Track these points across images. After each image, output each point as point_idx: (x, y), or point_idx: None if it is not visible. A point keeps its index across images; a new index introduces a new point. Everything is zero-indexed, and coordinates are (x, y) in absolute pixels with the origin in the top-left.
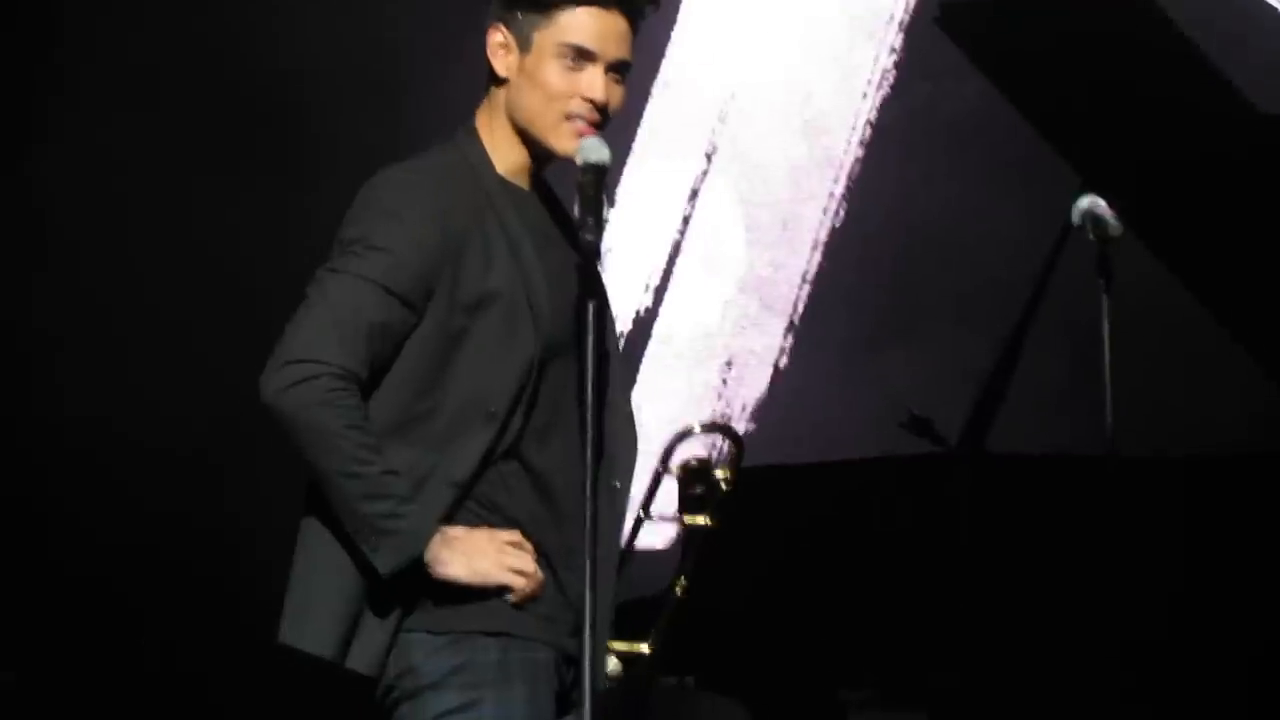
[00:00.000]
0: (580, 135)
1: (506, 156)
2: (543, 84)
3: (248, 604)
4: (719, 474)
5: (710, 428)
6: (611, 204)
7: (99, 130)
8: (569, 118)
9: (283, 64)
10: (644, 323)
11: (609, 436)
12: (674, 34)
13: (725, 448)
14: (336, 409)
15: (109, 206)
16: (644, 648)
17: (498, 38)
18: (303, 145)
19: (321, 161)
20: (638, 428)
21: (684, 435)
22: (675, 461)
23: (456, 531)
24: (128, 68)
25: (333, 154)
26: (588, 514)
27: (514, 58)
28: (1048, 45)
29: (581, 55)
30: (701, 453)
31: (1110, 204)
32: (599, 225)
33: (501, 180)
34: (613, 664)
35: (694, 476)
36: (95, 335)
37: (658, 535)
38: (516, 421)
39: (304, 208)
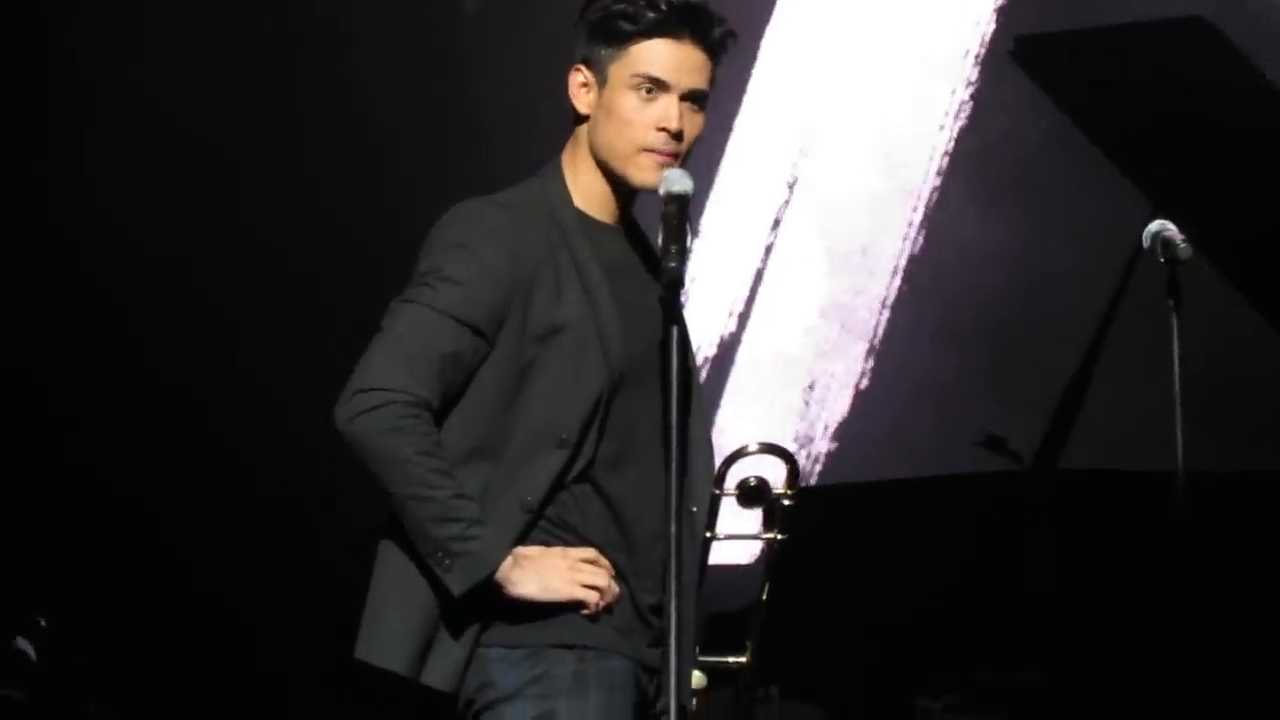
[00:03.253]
0: (658, 167)
1: (587, 191)
2: (618, 115)
3: (329, 615)
4: (777, 491)
5: (763, 448)
6: (695, 233)
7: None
8: (645, 149)
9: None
10: (728, 348)
11: (687, 463)
12: (755, 69)
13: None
14: (408, 435)
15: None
16: (739, 659)
17: (578, 78)
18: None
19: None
20: (719, 451)
21: (736, 456)
22: (731, 483)
23: (530, 551)
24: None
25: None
26: (672, 533)
27: (593, 94)
28: (1120, 76)
29: (655, 85)
30: (760, 472)
31: (1180, 228)
32: (682, 254)
33: (579, 214)
34: (697, 677)
35: (751, 495)
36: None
37: (743, 551)
38: (588, 448)
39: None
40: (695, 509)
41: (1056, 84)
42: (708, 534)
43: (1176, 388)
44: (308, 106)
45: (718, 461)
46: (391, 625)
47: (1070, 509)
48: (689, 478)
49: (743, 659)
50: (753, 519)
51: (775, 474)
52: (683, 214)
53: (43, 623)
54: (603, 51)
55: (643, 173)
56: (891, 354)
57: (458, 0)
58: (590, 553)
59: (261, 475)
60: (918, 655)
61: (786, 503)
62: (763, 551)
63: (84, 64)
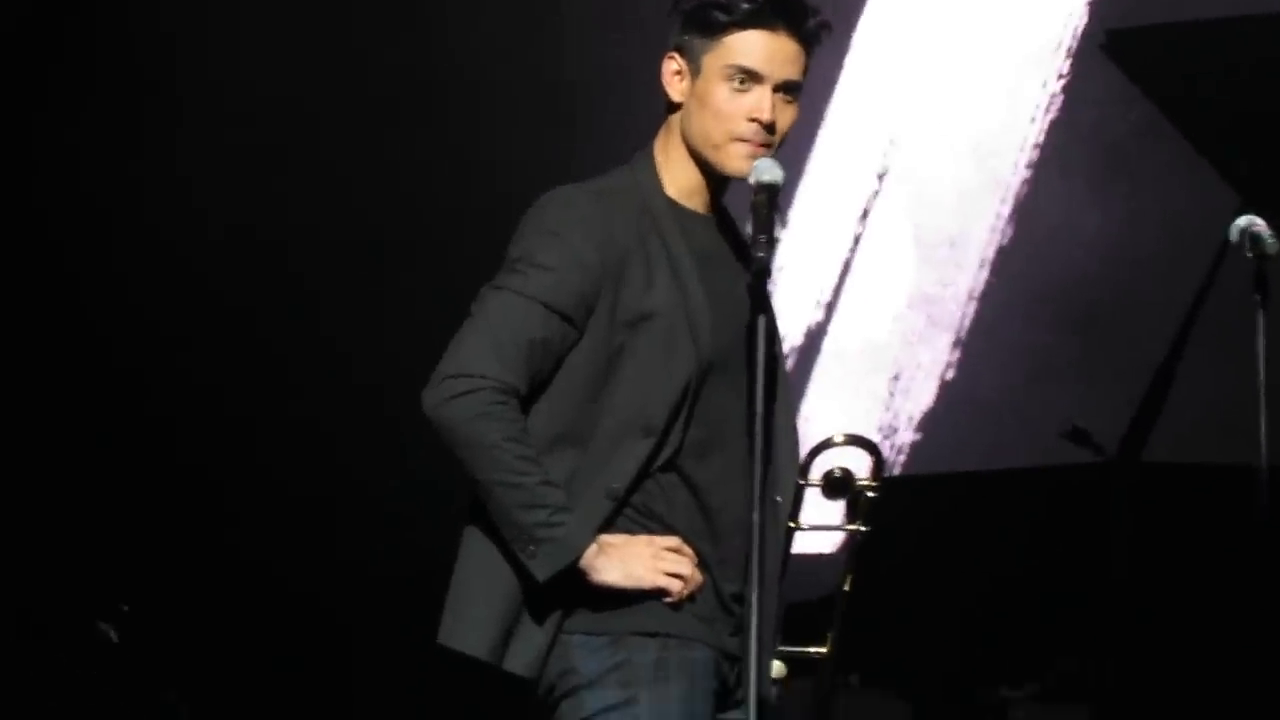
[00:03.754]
0: (750, 156)
1: (679, 179)
2: (711, 105)
3: (412, 602)
4: (862, 482)
5: (849, 440)
6: (784, 223)
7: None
8: (737, 139)
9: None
10: (815, 336)
11: (773, 452)
12: (847, 60)
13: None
14: (496, 421)
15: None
16: (819, 650)
17: (672, 66)
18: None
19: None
20: (804, 440)
21: (822, 447)
22: (816, 474)
23: (614, 539)
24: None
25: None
26: (755, 521)
27: (686, 83)
28: (1211, 69)
29: (749, 76)
30: (845, 464)
31: (1268, 223)
32: (771, 243)
33: (670, 202)
34: (778, 667)
35: (836, 486)
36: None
37: (825, 541)
38: (675, 437)
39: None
40: (779, 499)
41: (1147, 77)
42: (791, 524)
43: (1261, 381)
44: (403, 87)
45: (803, 452)
46: (475, 611)
47: (1152, 501)
48: (774, 467)
49: (823, 649)
50: (836, 509)
51: (860, 465)
52: (772, 204)
53: (126, 609)
54: (696, 41)
55: (734, 161)
56: (977, 346)
57: None
58: (674, 541)
59: (344, 461)
60: (999, 645)
61: (871, 494)
62: (844, 541)
63: (170, 58)
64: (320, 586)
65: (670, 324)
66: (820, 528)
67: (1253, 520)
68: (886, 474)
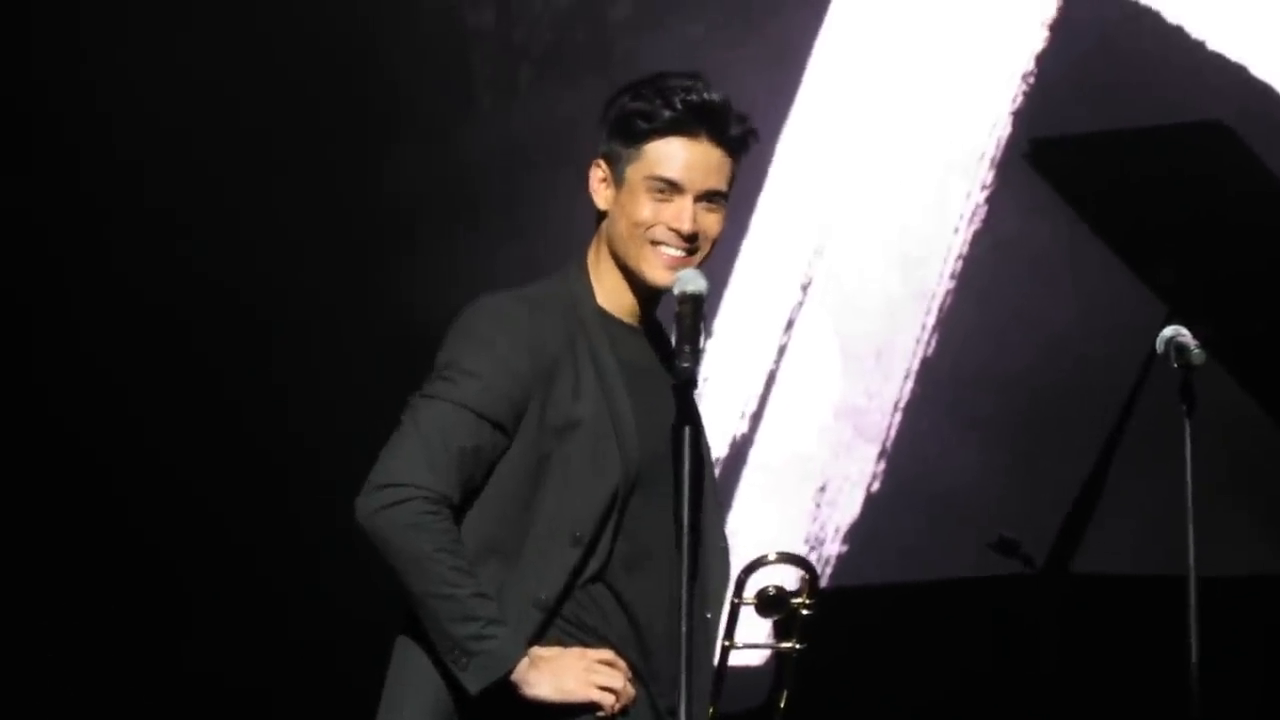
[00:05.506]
0: (669, 264)
1: (609, 289)
2: (632, 215)
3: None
4: (796, 601)
5: (782, 558)
6: (709, 334)
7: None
8: (655, 244)
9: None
10: (740, 448)
11: (703, 567)
12: (770, 169)
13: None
14: (427, 532)
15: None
16: None
17: (598, 174)
18: None
19: None
20: (734, 553)
21: (756, 565)
22: (750, 591)
23: (546, 652)
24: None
25: None
26: (683, 632)
27: (611, 191)
28: (1134, 179)
29: (669, 186)
30: (779, 581)
31: (1195, 334)
32: (695, 354)
33: (601, 312)
34: None
35: (770, 604)
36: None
37: (752, 655)
38: (603, 548)
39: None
40: (710, 614)
41: (1071, 186)
42: (726, 642)
43: (1189, 491)
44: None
45: (736, 569)
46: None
47: (1080, 614)
48: (704, 582)
49: None
50: (764, 624)
51: (790, 580)
52: (697, 314)
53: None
54: (620, 149)
55: (655, 272)
56: (903, 457)
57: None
58: (607, 654)
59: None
60: None
61: (806, 613)
62: (773, 656)
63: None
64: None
65: (597, 434)
66: (756, 645)
67: (1181, 632)
68: (808, 591)
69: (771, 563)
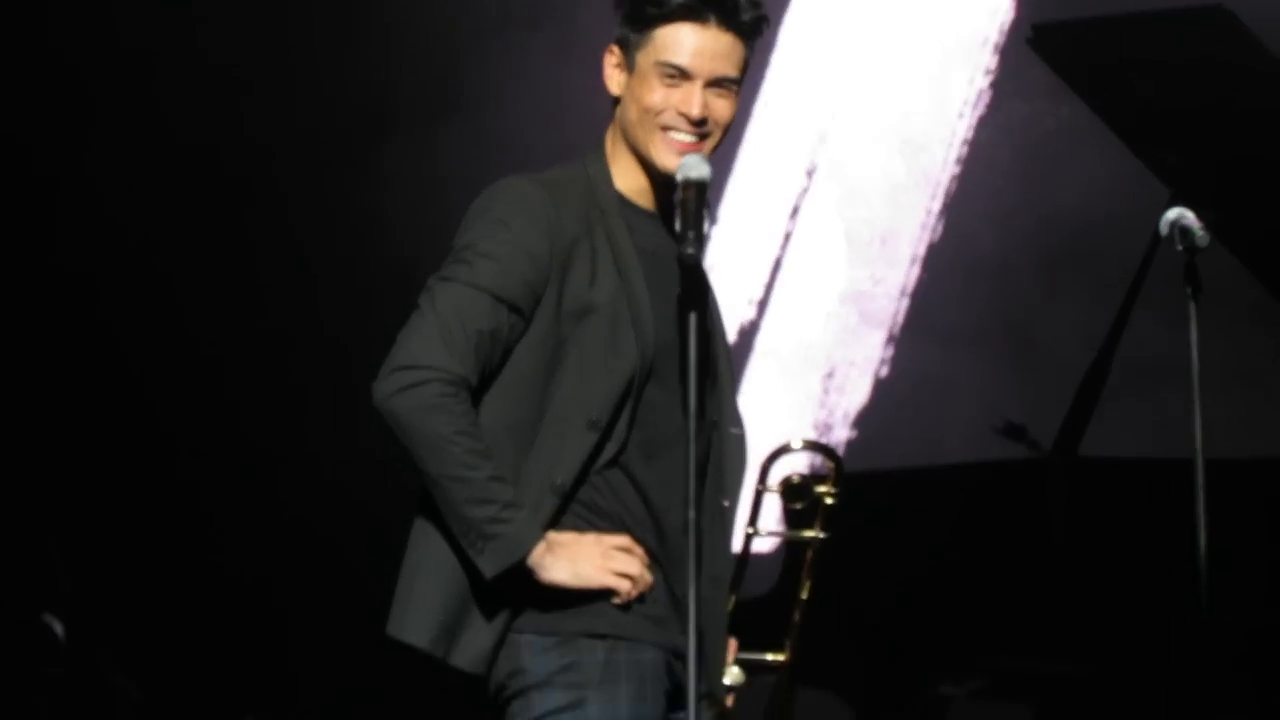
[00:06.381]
0: (679, 150)
1: (626, 175)
2: (642, 101)
3: (362, 594)
4: (820, 489)
5: (808, 445)
6: (714, 220)
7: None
8: (665, 129)
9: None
10: (747, 336)
11: (719, 455)
12: (773, 56)
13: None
14: (445, 414)
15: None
16: (776, 657)
17: (612, 59)
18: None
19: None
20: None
21: (780, 452)
22: (774, 478)
23: (563, 537)
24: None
25: None
26: (691, 518)
27: (624, 77)
28: (1138, 62)
29: (678, 72)
30: (801, 469)
31: (1199, 216)
32: (700, 240)
33: (620, 197)
34: (735, 672)
35: (795, 492)
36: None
37: (762, 543)
38: (619, 433)
39: None
40: (727, 502)
41: (1074, 72)
42: (750, 530)
43: (1195, 375)
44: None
45: (752, 456)
46: (422, 602)
47: (1089, 497)
48: (719, 469)
49: (781, 656)
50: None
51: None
52: (700, 199)
53: (56, 626)
54: (631, 35)
55: (663, 157)
56: (910, 342)
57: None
58: (624, 540)
59: (291, 455)
60: (940, 643)
61: (830, 501)
62: (784, 544)
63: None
64: (269, 573)
65: (613, 317)
66: (779, 534)
67: (1186, 514)
68: (833, 479)
69: (796, 450)
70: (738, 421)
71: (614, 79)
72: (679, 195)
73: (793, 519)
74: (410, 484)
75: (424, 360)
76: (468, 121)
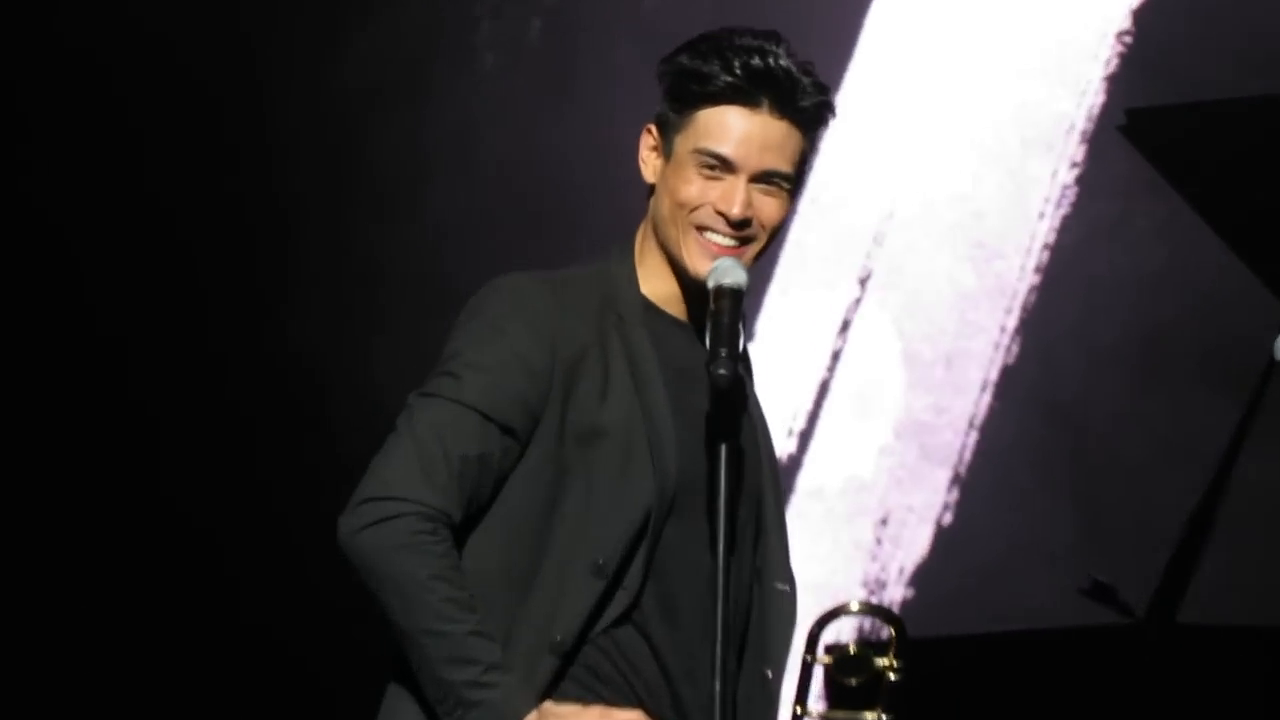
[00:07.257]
0: (713, 254)
1: (655, 278)
2: (675, 193)
3: None
4: (881, 662)
5: (866, 609)
6: (750, 336)
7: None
8: (700, 229)
9: None
10: (787, 473)
11: (761, 614)
12: (825, 144)
13: (883, 629)
14: (420, 554)
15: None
16: None
17: (649, 141)
18: None
19: None
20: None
21: (833, 615)
22: (823, 648)
23: (561, 708)
24: None
25: None
26: (714, 699)
27: (660, 163)
28: (1248, 155)
29: (721, 163)
30: (845, 634)
31: None
32: (734, 357)
33: (645, 302)
34: None
35: (849, 665)
36: None
37: None
38: (632, 581)
39: None
40: (770, 672)
41: (1175, 165)
42: (798, 710)
43: None
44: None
45: (808, 619)
46: None
47: (1188, 670)
48: (761, 632)
49: None
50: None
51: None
52: (735, 311)
53: None
54: (671, 115)
55: (696, 261)
56: (980, 484)
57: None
58: (634, 714)
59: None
60: None
61: (894, 677)
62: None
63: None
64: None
65: (628, 444)
66: (835, 718)
67: None
68: (873, 638)
69: (852, 613)
70: (786, 576)
71: (649, 164)
72: (710, 305)
73: (840, 696)
74: None
75: (398, 491)
76: None
